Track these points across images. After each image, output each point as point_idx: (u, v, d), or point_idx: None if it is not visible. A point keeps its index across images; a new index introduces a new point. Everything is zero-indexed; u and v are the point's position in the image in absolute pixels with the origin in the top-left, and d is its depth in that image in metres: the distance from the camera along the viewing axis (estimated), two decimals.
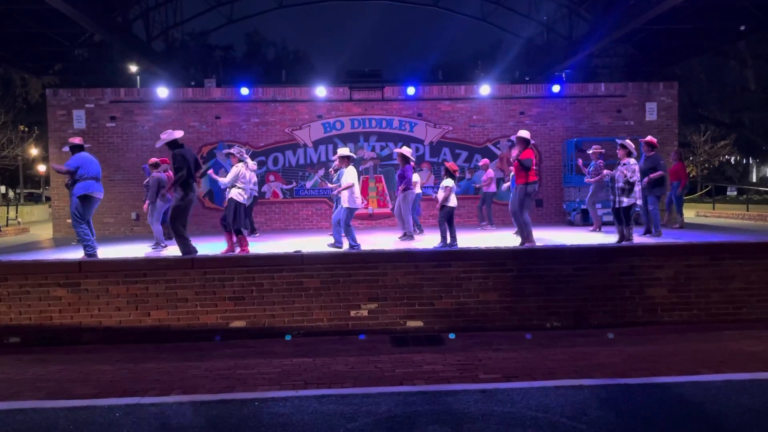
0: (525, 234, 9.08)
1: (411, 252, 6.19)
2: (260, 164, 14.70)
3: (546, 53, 28.00)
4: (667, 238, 10.09)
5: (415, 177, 11.20)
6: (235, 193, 9.03)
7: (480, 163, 13.76)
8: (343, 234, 9.58)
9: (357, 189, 9.46)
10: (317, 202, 14.91)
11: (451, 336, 5.56)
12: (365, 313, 5.82)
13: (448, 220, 9.48)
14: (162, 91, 14.53)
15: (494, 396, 3.96)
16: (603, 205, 12.48)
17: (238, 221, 9.05)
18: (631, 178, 8.99)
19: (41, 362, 5.06)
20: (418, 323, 5.85)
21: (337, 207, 10.34)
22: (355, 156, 10.02)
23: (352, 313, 5.82)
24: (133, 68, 29.78)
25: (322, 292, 5.80)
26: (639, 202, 9.28)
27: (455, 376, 4.39)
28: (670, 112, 15.33)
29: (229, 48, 51.06)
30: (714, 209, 19.61)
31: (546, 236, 11.01)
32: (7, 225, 18.14)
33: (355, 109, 15.01)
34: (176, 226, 8.12)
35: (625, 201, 9.06)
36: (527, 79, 16.58)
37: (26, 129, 36.59)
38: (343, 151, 9.67)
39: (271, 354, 5.18)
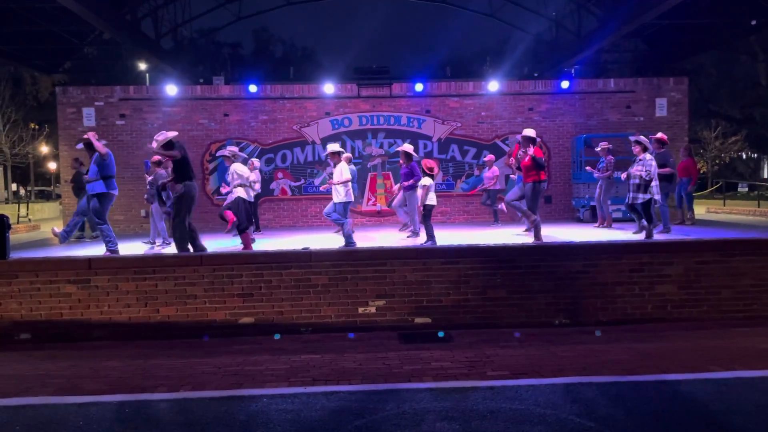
0: (530, 226, 9.09)
1: (419, 249, 6.18)
2: (269, 161, 14.74)
3: (555, 49, 27.87)
4: (678, 234, 10.03)
5: None
6: (238, 192, 9.05)
7: (486, 159, 13.67)
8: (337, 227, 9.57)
9: (349, 183, 9.53)
10: (326, 199, 14.84)
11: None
12: (373, 309, 5.82)
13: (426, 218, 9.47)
14: (171, 89, 14.58)
15: (502, 393, 3.95)
16: (613, 201, 12.41)
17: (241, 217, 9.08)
18: (647, 175, 8.95)
19: (52, 358, 5.10)
20: (426, 320, 5.84)
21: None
22: (344, 151, 10.00)
23: (360, 309, 5.82)
24: (142, 66, 29.90)
25: (330, 288, 5.81)
26: (657, 197, 9.24)
27: (463, 373, 4.39)
28: (680, 108, 15.22)
29: (237, 45, 51.22)
30: (725, 206, 19.46)
31: (555, 233, 10.97)
32: (18, 222, 18.28)
33: (363, 106, 15.00)
34: (180, 225, 7.99)
35: (641, 197, 9.03)
36: (536, 75, 16.54)
37: (37, 127, 36.84)
38: (333, 147, 9.65)
39: (279, 350, 5.19)
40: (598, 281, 5.94)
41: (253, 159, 12.34)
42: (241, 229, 8.98)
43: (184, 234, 7.96)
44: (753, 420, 3.44)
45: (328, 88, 14.74)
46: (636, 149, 9.26)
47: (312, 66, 45.82)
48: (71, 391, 4.18)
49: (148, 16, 24.68)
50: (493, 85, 14.92)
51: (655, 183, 9.06)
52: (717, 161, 36.46)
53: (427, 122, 15.02)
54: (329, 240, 10.76)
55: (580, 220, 13.85)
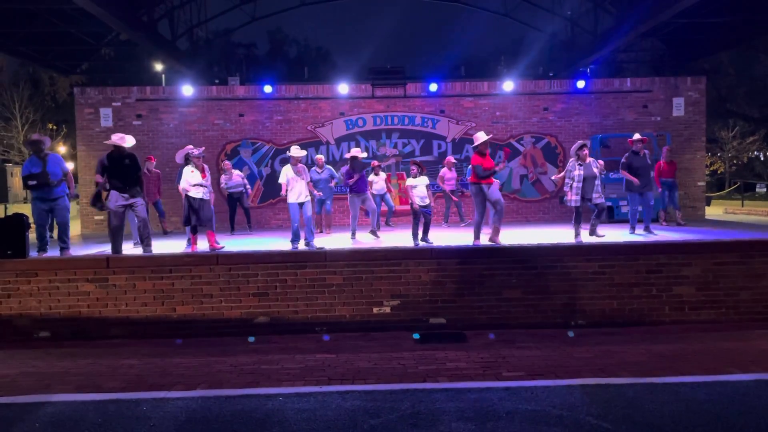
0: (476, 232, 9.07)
1: (434, 249, 6.18)
2: (283, 161, 14.79)
3: (570, 48, 27.65)
4: (696, 235, 9.93)
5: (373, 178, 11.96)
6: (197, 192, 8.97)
7: (445, 161, 13.38)
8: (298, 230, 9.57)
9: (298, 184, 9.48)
10: (340, 199, 14.92)
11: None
12: (388, 309, 5.82)
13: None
14: (187, 89, 14.68)
15: (518, 394, 3.93)
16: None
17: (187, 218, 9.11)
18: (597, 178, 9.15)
19: (70, 356, 5.16)
20: (441, 320, 5.84)
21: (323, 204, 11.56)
22: (304, 154, 10.04)
23: (375, 309, 5.83)
24: (159, 67, 30.13)
25: (345, 288, 5.82)
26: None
27: (479, 374, 4.38)
28: (698, 108, 15.05)
29: (252, 46, 51.37)
30: (743, 206, 19.23)
31: (570, 234, 10.88)
32: None
33: (377, 106, 15.00)
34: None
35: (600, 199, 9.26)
36: (551, 74, 16.43)
37: (55, 127, 37.31)
38: (296, 150, 9.66)
39: (294, 350, 5.21)
40: (615, 282, 5.90)
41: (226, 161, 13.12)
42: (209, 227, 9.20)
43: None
44: None
45: (343, 88, 14.76)
46: (583, 153, 8.98)
47: (327, 66, 45.93)
48: (90, 389, 4.23)
49: (165, 17, 24.84)
50: (508, 85, 14.85)
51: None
52: (735, 161, 36.04)
53: (441, 122, 14.99)
54: (343, 240, 10.77)
55: None
